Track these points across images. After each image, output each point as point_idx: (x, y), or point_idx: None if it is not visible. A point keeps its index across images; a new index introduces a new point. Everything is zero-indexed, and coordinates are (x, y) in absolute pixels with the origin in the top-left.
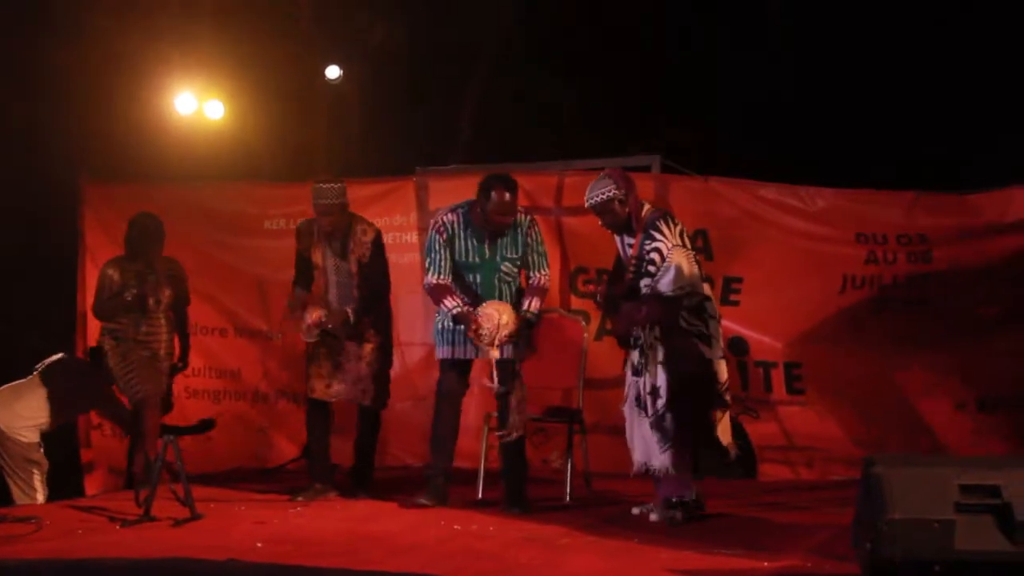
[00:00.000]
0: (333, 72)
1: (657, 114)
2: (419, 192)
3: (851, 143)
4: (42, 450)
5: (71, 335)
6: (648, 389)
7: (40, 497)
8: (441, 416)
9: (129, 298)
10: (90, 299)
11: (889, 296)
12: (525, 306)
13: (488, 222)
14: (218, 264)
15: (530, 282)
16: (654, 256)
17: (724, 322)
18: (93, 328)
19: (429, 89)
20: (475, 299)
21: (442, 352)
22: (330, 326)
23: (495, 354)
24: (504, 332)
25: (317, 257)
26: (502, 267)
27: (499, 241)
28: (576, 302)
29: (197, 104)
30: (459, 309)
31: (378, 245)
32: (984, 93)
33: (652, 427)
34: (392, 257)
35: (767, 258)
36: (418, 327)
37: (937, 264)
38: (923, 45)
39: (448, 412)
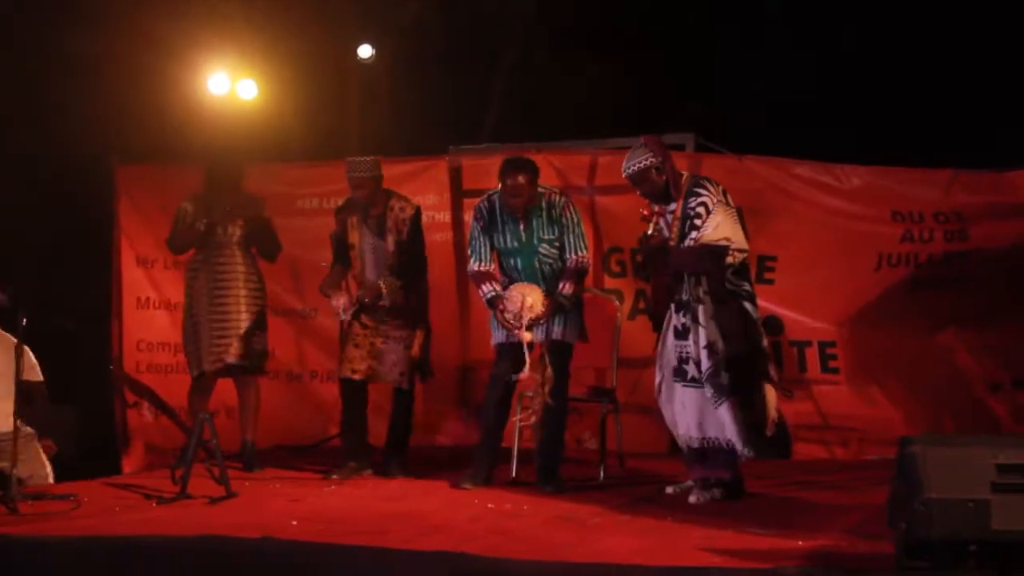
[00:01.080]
0: (365, 51)
1: (691, 92)
2: (452, 171)
3: (886, 120)
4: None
5: (106, 317)
6: (703, 344)
7: (51, 477)
8: (486, 404)
9: (201, 228)
10: (126, 280)
11: (925, 274)
12: (559, 288)
13: (505, 205)
14: None
15: (566, 264)
16: (700, 210)
17: (758, 301)
18: (130, 309)
19: (462, 68)
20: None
21: (495, 337)
22: (366, 300)
23: (527, 337)
24: (529, 315)
25: (353, 237)
26: (540, 249)
27: (535, 223)
28: (609, 281)
29: (230, 84)
30: (492, 294)
31: (416, 222)
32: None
33: (706, 382)
34: (425, 236)
35: (802, 236)
36: (452, 305)
37: (973, 242)
38: (960, 21)
39: (492, 400)
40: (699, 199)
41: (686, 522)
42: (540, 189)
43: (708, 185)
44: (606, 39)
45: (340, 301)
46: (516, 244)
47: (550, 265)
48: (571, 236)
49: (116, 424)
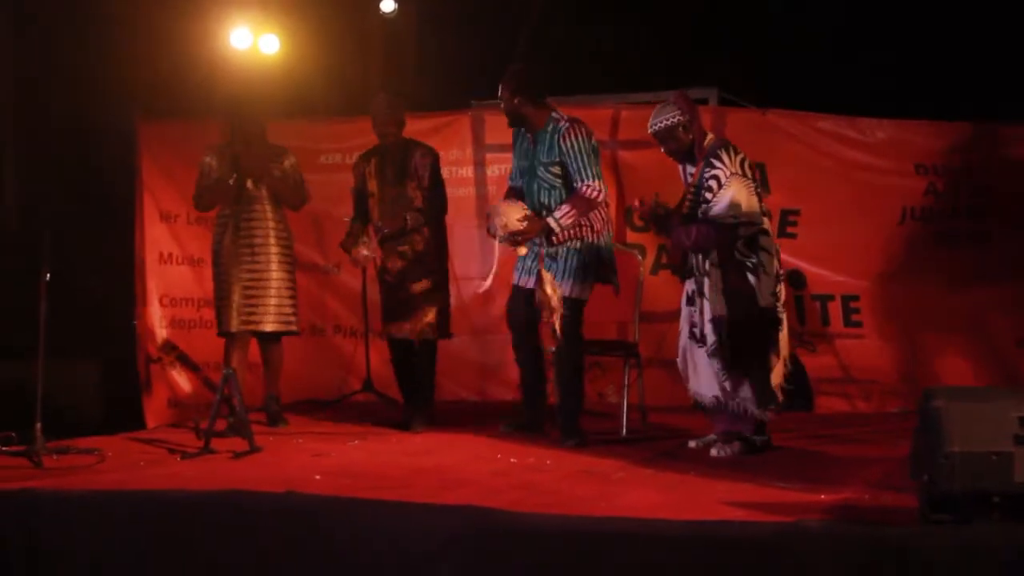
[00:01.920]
0: (388, 6)
1: (714, 46)
2: (475, 126)
3: (911, 73)
4: None
5: (130, 273)
6: (709, 317)
7: None
8: (514, 350)
9: (232, 183)
10: (149, 236)
11: (949, 228)
12: (556, 211)
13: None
14: None
15: (574, 189)
16: (712, 183)
17: (781, 255)
18: (152, 264)
19: (484, 22)
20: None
21: (513, 278)
22: (386, 231)
23: (521, 251)
24: (503, 232)
25: (372, 185)
26: (538, 172)
27: (539, 147)
28: (632, 236)
29: (252, 39)
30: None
31: (437, 168)
32: None
33: (712, 356)
34: (448, 191)
35: (825, 190)
36: (473, 261)
37: (998, 196)
38: None
39: (516, 346)
40: (713, 171)
41: (709, 476)
42: (553, 115)
43: (724, 156)
44: None
45: (361, 252)
46: (525, 164)
47: (547, 191)
48: (574, 163)
49: (140, 379)
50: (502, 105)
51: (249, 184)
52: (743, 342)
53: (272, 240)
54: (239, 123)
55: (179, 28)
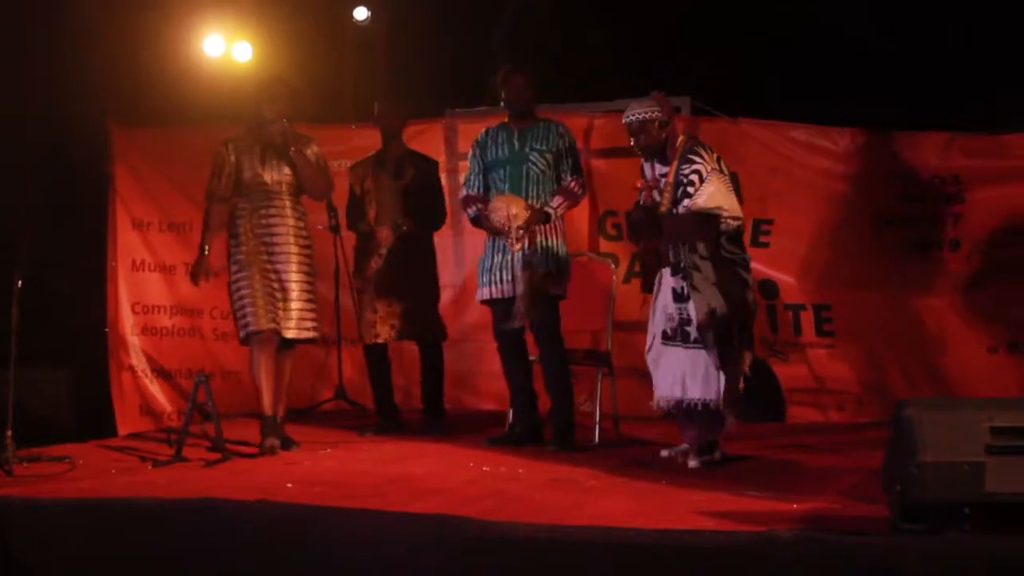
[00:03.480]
0: (361, 14)
1: (687, 54)
2: (447, 134)
3: (884, 82)
4: None
5: (101, 282)
6: (705, 309)
7: None
8: (503, 364)
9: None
10: (121, 243)
11: (921, 237)
12: (550, 200)
13: (510, 106)
14: None
15: (562, 184)
16: (693, 178)
17: (753, 265)
18: (125, 272)
19: (458, 30)
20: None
21: (480, 294)
22: (404, 228)
23: (517, 247)
24: (516, 223)
25: (369, 183)
26: (530, 157)
27: (529, 136)
28: (605, 244)
29: (225, 46)
30: (474, 213)
31: (439, 177)
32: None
33: (710, 352)
34: None
35: (797, 200)
36: (447, 269)
37: (970, 205)
38: None
39: (506, 357)
40: (693, 167)
41: (681, 485)
42: (541, 118)
43: (703, 152)
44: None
45: (387, 229)
46: (506, 154)
47: (537, 175)
48: (570, 157)
49: (111, 387)
50: (508, 87)
51: (268, 177)
52: (731, 335)
53: (292, 240)
54: (258, 116)
55: (153, 35)
